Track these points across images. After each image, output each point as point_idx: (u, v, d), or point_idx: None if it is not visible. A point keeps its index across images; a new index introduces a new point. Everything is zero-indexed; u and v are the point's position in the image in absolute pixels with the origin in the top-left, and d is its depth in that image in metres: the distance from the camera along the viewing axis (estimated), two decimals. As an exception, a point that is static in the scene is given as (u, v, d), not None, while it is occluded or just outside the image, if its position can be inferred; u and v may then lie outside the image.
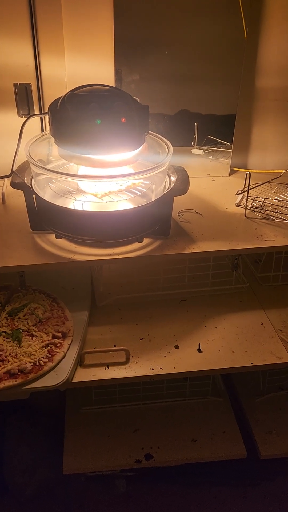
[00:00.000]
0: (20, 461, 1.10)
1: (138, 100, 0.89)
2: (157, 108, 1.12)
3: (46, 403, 1.16)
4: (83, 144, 0.81)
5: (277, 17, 1.07)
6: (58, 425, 1.12)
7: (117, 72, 1.08)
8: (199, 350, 0.92)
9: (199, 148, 1.20)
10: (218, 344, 0.93)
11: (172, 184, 0.90)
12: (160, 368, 0.88)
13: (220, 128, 1.18)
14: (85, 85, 0.87)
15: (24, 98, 1.08)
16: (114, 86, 1.08)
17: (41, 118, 1.11)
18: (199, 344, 0.93)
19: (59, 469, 1.04)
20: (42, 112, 1.10)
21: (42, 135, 0.94)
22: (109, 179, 0.85)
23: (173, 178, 0.92)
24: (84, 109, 0.80)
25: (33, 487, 1.08)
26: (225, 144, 1.19)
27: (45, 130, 1.13)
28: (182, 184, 0.90)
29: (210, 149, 1.20)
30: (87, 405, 1.12)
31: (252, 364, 0.89)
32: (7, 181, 1.07)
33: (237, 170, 1.24)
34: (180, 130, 1.16)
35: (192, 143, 1.19)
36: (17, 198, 1.05)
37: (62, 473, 1.03)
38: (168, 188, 0.90)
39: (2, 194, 1.05)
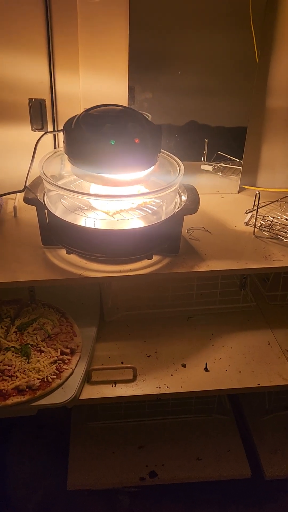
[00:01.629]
0: (23, 474, 1.10)
1: (150, 116, 0.90)
2: (167, 120, 1.13)
3: (51, 416, 1.16)
4: (96, 163, 0.82)
5: (288, 39, 1.08)
6: (62, 438, 1.12)
7: (130, 89, 1.10)
8: (206, 369, 0.92)
9: (208, 164, 1.21)
10: (225, 364, 0.93)
11: (183, 203, 0.90)
12: (167, 387, 0.88)
13: (229, 142, 1.19)
14: (99, 105, 0.88)
15: (38, 113, 1.10)
16: (127, 103, 1.11)
17: (54, 134, 1.13)
18: (206, 363, 0.93)
19: (62, 483, 1.04)
20: (56, 128, 1.12)
21: (55, 152, 0.96)
22: (122, 198, 0.86)
23: (183, 198, 0.93)
24: (98, 130, 0.81)
25: (35, 500, 1.08)
26: (235, 160, 1.20)
27: (58, 146, 1.14)
28: (193, 204, 0.91)
29: (219, 166, 1.21)
30: (92, 420, 1.12)
31: (259, 385, 0.89)
32: (19, 195, 1.08)
33: (246, 188, 1.25)
34: (188, 143, 1.17)
35: (202, 159, 1.20)
36: (28, 211, 1.06)
37: (65, 488, 1.03)
38: (178, 207, 0.90)
39: (14, 208, 1.06)
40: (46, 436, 1.16)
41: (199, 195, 0.92)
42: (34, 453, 1.13)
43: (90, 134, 0.81)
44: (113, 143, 0.80)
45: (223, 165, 1.21)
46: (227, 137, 1.18)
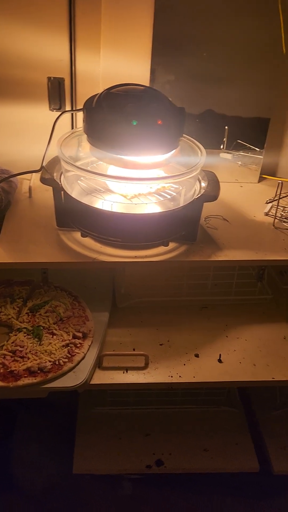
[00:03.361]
0: (29, 456, 1.10)
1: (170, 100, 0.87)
2: (185, 104, 1.10)
3: (58, 399, 1.16)
4: (117, 144, 0.80)
5: None
6: (69, 421, 1.12)
7: (151, 72, 1.07)
8: (220, 361, 0.90)
9: (228, 153, 1.18)
10: (239, 356, 0.92)
11: (203, 190, 0.88)
12: (180, 376, 0.86)
13: (248, 132, 1.15)
14: (121, 84, 0.85)
15: (57, 92, 1.08)
16: (149, 84, 1.08)
17: (72, 114, 1.10)
18: (220, 355, 0.91)
19: (67, 466, 1.03)
20: (75, 108, 1.09)
21: (73, 132, 0.93)
22: (142, 181, 0.84)
23: (203, 184, 0.90)
24: (120, 110, 0.78)
25: (40, 482, 1.08)
26: (255, 150, 1.17)
27: (75, 126, 1.12)
28: (213, 191, 0.88)
29: (239, 154, 1.18)
30: (100, 405, 1.11)
31: (274, 379, 0.87)
32: (34, 175, 1.06)
33: (267, 178, 1.22)
34: (206, 131, 1.14)
35: (221, 146, 1.17)
36: (43, 193, 1.04)
37: (69, 470, 1.03)
38: (198, 194, 0.88)
39: (30, 188, 1.04)
40: (53, 419, 1.16)
41: (218, 183, 0.89)
42: (41, 435, 1.13)
43: (111, 114, 0.79)
44: (135, 124, 0.78)
45: (243, 153, 1.18)
46: (246, 127, 1.15)
